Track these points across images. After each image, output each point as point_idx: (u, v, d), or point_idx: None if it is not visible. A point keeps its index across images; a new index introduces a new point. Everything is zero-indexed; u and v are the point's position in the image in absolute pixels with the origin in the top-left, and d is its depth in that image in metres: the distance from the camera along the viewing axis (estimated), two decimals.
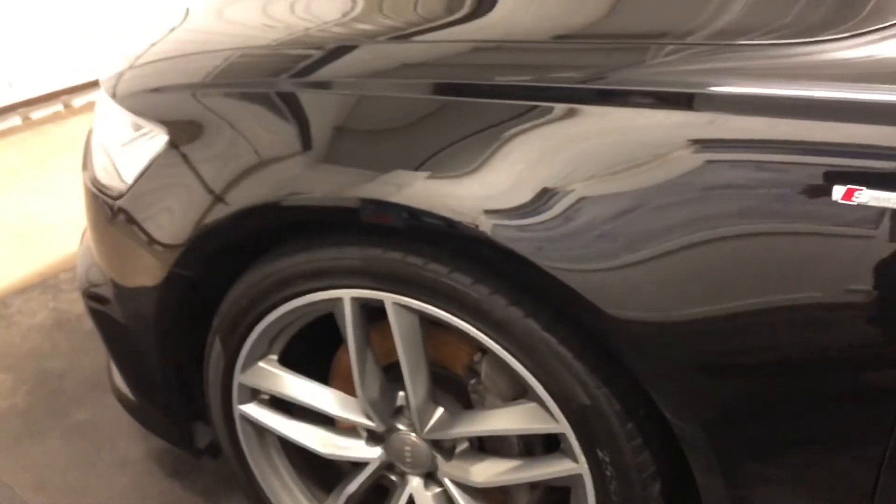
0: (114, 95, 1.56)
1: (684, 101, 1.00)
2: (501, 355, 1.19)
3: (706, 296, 1.00)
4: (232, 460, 1.60)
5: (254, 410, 1.51)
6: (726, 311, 1.00)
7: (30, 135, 4.11)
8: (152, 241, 1.43)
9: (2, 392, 2.29)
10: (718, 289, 1.00)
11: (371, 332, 1.37)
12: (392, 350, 1.30)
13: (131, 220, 1.47)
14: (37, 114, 4.26)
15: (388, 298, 1.24)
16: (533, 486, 1.42)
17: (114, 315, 1.63)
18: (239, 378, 1.47)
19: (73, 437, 2.10)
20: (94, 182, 1.61)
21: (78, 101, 4.39)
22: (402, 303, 1.24)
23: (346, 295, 1.28)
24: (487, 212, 1.08)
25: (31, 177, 3.62)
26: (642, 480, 1.21)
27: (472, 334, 1.20)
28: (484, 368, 1.35)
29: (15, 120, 4.19)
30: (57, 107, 4.33)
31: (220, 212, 1.31)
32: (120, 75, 1.60)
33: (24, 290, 2.74)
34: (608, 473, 1.21)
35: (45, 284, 2.77)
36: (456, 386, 1.45)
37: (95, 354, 2.33)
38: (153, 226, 1.43)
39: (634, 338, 1.05)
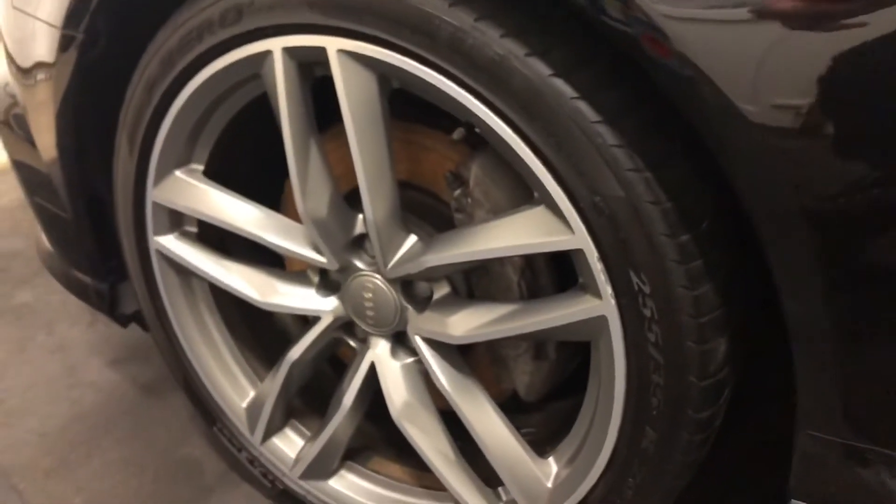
0: None
1: None
2: (489, 124, 0.79)
3: None
4: (151, 319, 1.22)
5: (174, 244, 1.12)
6: None
7: None
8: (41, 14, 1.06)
9: None
10: None
11: (325, 143, 0.98)
12: (350, 171, 0.90)
13: None
14: None
15: (333, 45, 0.84)
16: (538, 354, 1.00)
17: (25, 133, 1.26)
18: (152, 195, 1.09)
19: (7, 318, 1.77)
20: None
21: None
22: (353, 50, 0.84)
23: (276, 46, 0.88)
24: None
25: None
26: (699, 328, 0.78)
27: (448, 93, 0.80)
28: (474, 172, 0.93)
29: None
30: None
31: None
32: None
33: None
34: (646, 313, 0.79)
35: None
36: (437, 214, 1.04)
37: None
38: None
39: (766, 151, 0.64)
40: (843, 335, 0.71)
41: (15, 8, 1.16)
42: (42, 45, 1.10)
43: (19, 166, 1.34)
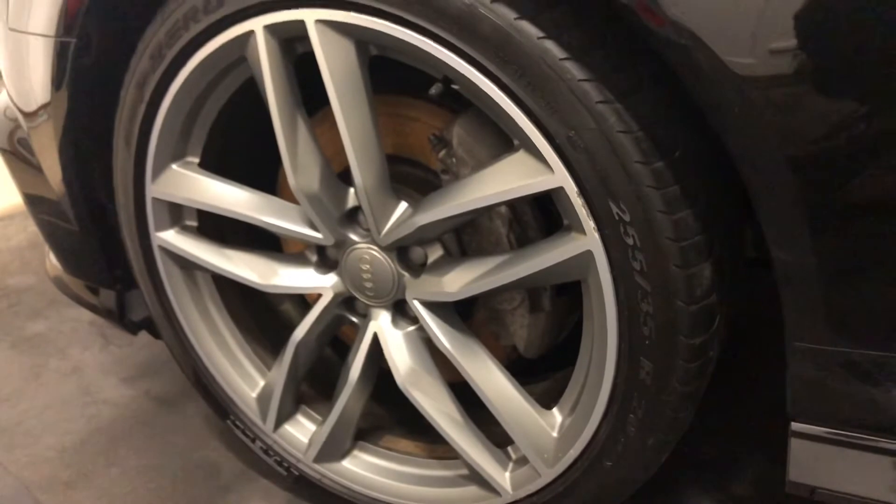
0: None
1: None
2: (464, 73, 0.82)
3: None
4: (158, 316, 1.25)
5: (175, 239, 1.16)
6: None
7: None
8: (38, 13, 1.10)
9: None
10: None
11: (315, 126, 1.02)
12: (341, 151, 0.94)
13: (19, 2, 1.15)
14: None
15: (311, 17, 0.88)
16: (533, 307, 1.03)
17: (27, 152, 1.30)
18: (151, 191, 1.12)
19: (21, 348, 1.80)
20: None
21: None
22: (330, 19, 0.88)
23: (258, 25, 0.93)
24: None
25: None
26: (681, 251, 0.81)
27: (423, 48, 0.83)
28: (456, 132, 0.97)
29: None
30: None
31: None
32: None
33: (4, 218, 2.48)
34: (629, 241, 0.81)
35: (27, 212, 2.49)
36: (426, 184, 1.07)
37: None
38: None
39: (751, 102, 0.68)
40: (827, 270, 0.73)
41: (11, 30, 1.21)
42: (37, 57, 1.14)
43: (24, 185, 1.38)
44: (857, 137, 0.67)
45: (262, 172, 1.20)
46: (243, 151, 1.18)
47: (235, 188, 1.09)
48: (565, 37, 0.78)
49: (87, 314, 1.72)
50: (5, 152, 1.43)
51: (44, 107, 1.17)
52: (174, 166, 1.10)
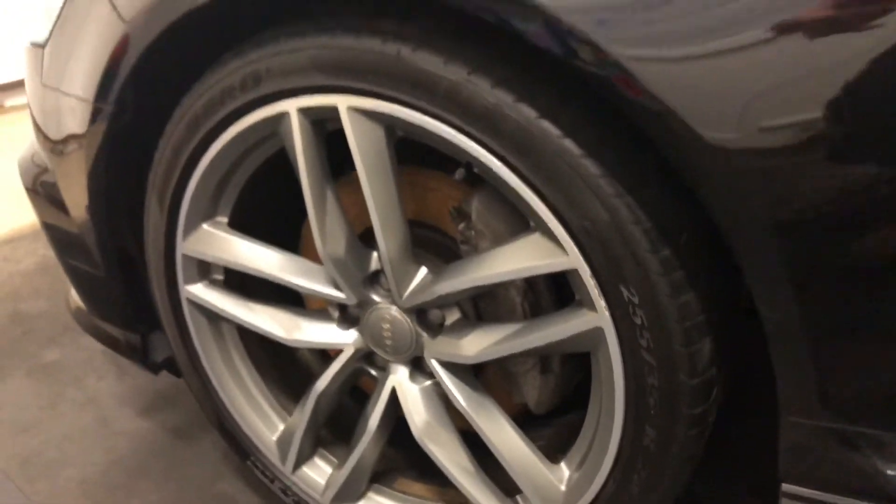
0: None
1: None
2: (487, 163, 0.89)
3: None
4: (184, 363, 1.31)
5: (203, 292, 1.22)
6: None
7: None
8: (75, 75, 1.17)
9: None
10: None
11: (339, 189, 1.09)
12: (365, 212, 1.00)
13: (57, 60, 1.21)
14: None
15: (343, 103, 0.95)
16: (544, 369, 1.10)
17: (55, 199, 1.36)
18: (182, 248, 1.19)
19: (37, 377, 1.86)
20: (31, 40, 1.36)
21: None
22: (361, 107, 0.94)
23: (292, 107, 0.99)
24: None
25: None
26: (685, 332, 0.88)
27: (448, 139, 0.90)
28: (475, 206, 1.04)
29: None
30: None
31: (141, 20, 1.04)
32: None
33: (13, 240, 2.54)
34: (637, 321, 0.89)
35: (36, 235, 2.55)
36: (444, 249, 1.14)
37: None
38: (76, 55, 1.17)
39: (726, 172, 0.74)
40: (815, 331, 0.80)
41: (45, 85, 1.27)
42: (73, 117, 1.20)
43: (50, 229, 1.44)
44: (839, 202, 0.72)
45: (287, 228, 1.27)
46: (269, 208, 1.24)
47: (263, 248, 1.15)
48: (581, 135, 0.85)
49: None
50: (31, 192, 1.49)
51: (76, 161, 1.23)
52: (205, 226, 1.17)
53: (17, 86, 4.06)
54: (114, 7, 1.08)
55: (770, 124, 0.70)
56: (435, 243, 1.15)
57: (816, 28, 0.67)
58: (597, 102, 0.85)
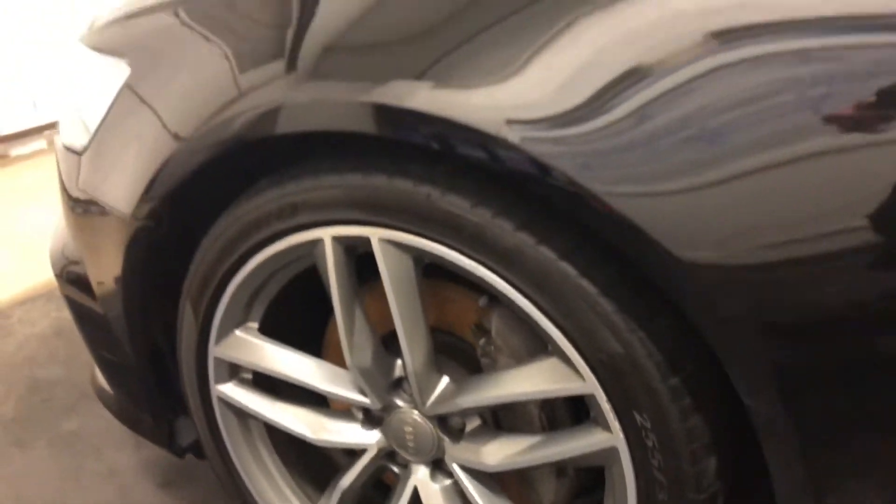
0: (84, 40, 1.40)
1: None
2: (509, 296, 0.96)
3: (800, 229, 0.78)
4: (213, 455, 1.38)
5: (233, 391, 1.29)
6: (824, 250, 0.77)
7: (52, 158, 4.01)
8: (116, 189, 1.24)
9: None
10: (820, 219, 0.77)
11: (365, 294, 1.16)
12: (388, 317, 1.08)
13: (96, 169, 1.29)
14: None
15: (375, 235, 1.03)
16: (559, 473, 1.17)
17: (87, 291, 1.43)
18: (214, 351, 1.26)
19: (58, 447, 1.91)
20: (63, 142, 1.44)
21: None
22: (392, 239, 1.02)
23: (327, 235, 1.07)
24: (517, 120, 0.84)
25: (47, 196, 3.49)
26: (693, 452, 0.95)
27: (473, 272, 0.98)
28: (495, 323, 1.11)
29: (40, 143, 4.12)
30: None
31: (188, 149, 1.11)
32: (95, 21, 1.43)
33: (26, 301, 2.59)
34: (649, 443, 0.96)
35: (49, 295, 2.61)
36: (463, 354, 1.21)
37: (91, 363, 2.14)
38: (116, 172, 1.24)
39: (703, 285, 0.82)
40: (805, 434, 0.86)
41: (82, 190, 1.34)
42: (110, 227, 1.27)
43: (81, 319, 1.51)
44: (818, 310, 0.79)
45: (312, 329, 1.34)
46: (296, 311, 1.31)
47: (292, 353, 1.22)
48: (597, 275, 0.93)
49: None
50: (60, 279, 1.56)
51: (110, 264, 1.30)
52: (237, 332, 1.24)
53: (21, 136, 4.13)
54: (164, 126, 1.15)
55: (743, 246, 0.78)
56: (455, 348, 1.22)
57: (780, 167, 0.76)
58: (608, 244, 0.92)
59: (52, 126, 4.14)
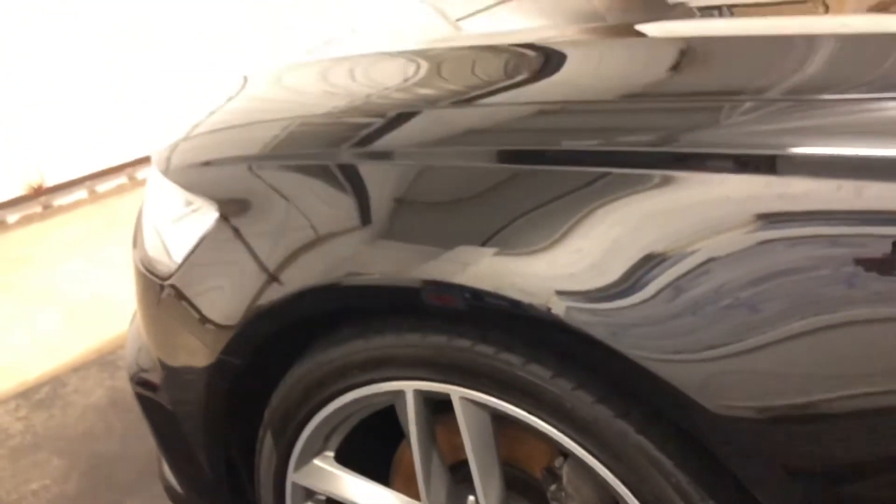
0: (165, 170, 1.48)
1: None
2: (587, 461, 1.03)
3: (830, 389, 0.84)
4: None
5: None
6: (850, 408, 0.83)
7: (94, 208, 4.12)
8: (202, 323, 1.31)
9: (55, 477, 2.20)
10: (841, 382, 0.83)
11: (436, 425, 1.23)
12: (460, 446, 1.15)
13: (180, 301, 1.36)
14: (102, 187, 4.29)
15: (456, 393, 1.10)
16: None
17: (161, 402, 1.51)
18: (292, 477, 1.33)
19: None
20: (144, 261, 1.52)
21: (141, 173, 4.42)
22: (472, 398, 1.09)
23: (409, 388, 1.14)
24: (561, 292, 0.93)
25: (91, 249, 3.60)
26: None
27: (552, 436, 1.04)
28: (566, 473, 1.18)
29: (81, 193, 4.22)
30: (121, 179, 4.36)
31: (273, 293, 1.19)
32: (172, 148, 1.52)
33: (80, 368, 2.68)
34: None
35: (102, 361, 2.70)
36: (532, 490, 1.28)
37: (149, 438, 2.20)
38: (203, 307, 1.31)
39: (740, 440, 0.89)
40: None
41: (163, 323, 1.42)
42: (193, 358, 1.35)
43: (159, 434, 1.59)
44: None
45: (383, 454, 1.41)
46: (370, 439, 1.38)
47: (369, 484, 1.29)
48: (674, 448, 0.99)
49: None
50: (135, 384, 1.64)
51: (192, 390, 1.38)
52: (316, 461, 1.31)
53: (65, 187, 4.23)
54: (265, 271, 1.21)
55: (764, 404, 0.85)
56: (523, 483, 1.29)
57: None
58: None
59: (93, 177, 4.25)
